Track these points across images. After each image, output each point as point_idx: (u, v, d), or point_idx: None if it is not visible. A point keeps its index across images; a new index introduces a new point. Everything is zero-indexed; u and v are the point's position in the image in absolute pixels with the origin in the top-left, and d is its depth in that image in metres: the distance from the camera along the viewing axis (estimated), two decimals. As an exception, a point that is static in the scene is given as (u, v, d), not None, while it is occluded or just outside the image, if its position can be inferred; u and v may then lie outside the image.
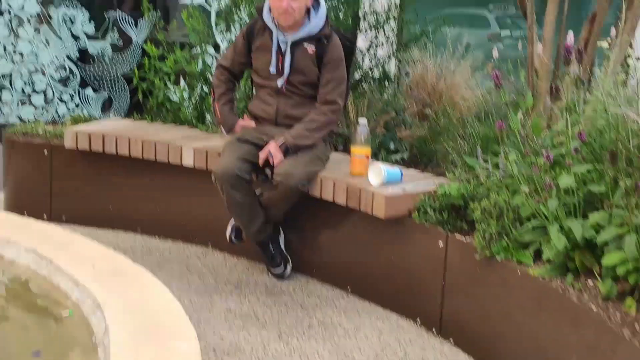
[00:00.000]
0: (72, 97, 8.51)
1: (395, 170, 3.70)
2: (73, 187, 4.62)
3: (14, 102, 8.37)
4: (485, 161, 3.42)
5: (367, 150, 3.76)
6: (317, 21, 3.83)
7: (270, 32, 3.84)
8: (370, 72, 4.83)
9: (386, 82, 4.84)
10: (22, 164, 4.73)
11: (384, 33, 4.75)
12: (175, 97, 4.82)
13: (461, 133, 4.14)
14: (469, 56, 4.87)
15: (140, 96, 4.92)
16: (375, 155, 4.19)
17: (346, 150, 4.15)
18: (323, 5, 3.87)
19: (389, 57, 4.85)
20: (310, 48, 3.82)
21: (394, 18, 4.76)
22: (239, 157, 3.76)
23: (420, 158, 4.31)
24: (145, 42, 7.68)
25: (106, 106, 8.67)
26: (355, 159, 3.76)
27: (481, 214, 3.18)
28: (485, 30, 8.43)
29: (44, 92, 8.43)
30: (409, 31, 4.82)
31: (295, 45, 3.82)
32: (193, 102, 4.76)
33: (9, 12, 8.14)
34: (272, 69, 3.85)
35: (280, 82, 3.85)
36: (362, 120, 3.76)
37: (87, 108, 8.54)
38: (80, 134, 4.45)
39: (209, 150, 4.14)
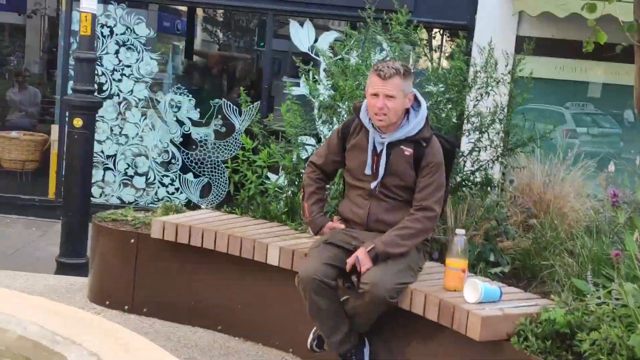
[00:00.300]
0: (172, 181, 8.60)
1: (494, 287, 3.39)
2: (157, 279, 4.50)
3: (115, 183, 8.51)
4: (597, 285, 3.07)
5: (463, 264, 3.46)
6: (416, 122, 3.61)
7: (367, 131, 3.65)
8: (471, 176, 4.55)
9: (488, 188, 4.53)
10: (108, 251, 4.65)
11: (488, 136, 4.47)
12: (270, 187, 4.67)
13: (569, 249, 3.80)
14: (579, 164, 4.55)
15: (231, 188, 4.80)
16: (472, 267, 3.89)
17: (442, 258, 3.86)
18: (424, 106, 3.66)
19: (493, 162, 4.55)
20: (408, 150, 3.60)
21: (500, 120, 4.49)
22: (325, 262, 3.53)
23: (523, 273, 3.97)
24: (243, 132, 7.71)
25: (205, 191, 8.71)
26: (450, 272, 3.47)
27: (590, 347, 2.83)
28: (561, 127, 8.33)
29: (146, 175, 8.56)
30: (515, 135, 4.52)
31: (392, 146, 3.61)
32: (284, 197, 4.59)
33: (118, 96, 8.37)
34: (367, 170, 3.64)
35: (373, 184, 3.62)
36: (460, 231, 3.48)
37: (187, 192, 8.60)
38: (168, 225, 4.35)
39: (295, 250, 3.95)
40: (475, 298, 3.32)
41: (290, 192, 4.62)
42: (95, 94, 7.96)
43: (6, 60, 13.62)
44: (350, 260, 3.52)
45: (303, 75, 4.99)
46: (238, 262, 4.17)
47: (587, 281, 3.13)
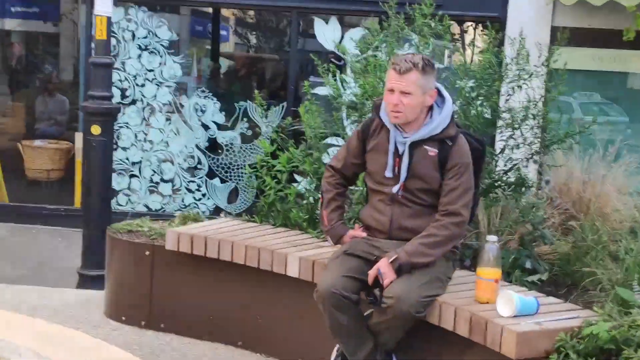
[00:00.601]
0: (199, 187, 8.39)
1: (530, 299, 3.11)
2: (174, 293, 4.28)
3: (142, 190, 8.33)
4: (644, 296, 2.78)
5: (496, 273, 3.18)
6: (440, 119, 3.34)
7: (388, 131, 3.38)
8: (504, 176, 4.24)
9: (523, 189, 4.22)
10: (123, 264, 4.46)
11: (521, 133, 4.16)
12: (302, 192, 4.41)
13: (613, 253, 3.50)
14: (622, 160, 4.23)
15: (250, 195, 4.57)
16: (507, 275, 3.61)
17: (475, 266, 3.57)
18: (448, 102, 3.38)
19: (527, 160, 4.24)
20: (432, 150, 3.32)
21: (534, 116, 4.18)
22: (345, 274, 3.27)
23: (562, 280, 3.68)
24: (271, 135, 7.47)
25: (232, 197, 8.49)
26: (481, 282, 3.19)
27: (638, 366, 2.53)
28: (568, 115, 8.07)
29: (172, 181, 8.37)
30: (551, 132, 4.20)
31: (415, 146, 3.34)
32: (305, 204, 4.34)
33: (142, 101, 8.20)
34: (388, 173, 3.37)
35: (395, 188, 3.35)
36: (492, 238, 3.20)
37: (214, 198, 8.39)
38: (183, 236, 4.14)
39: (316, 260, 3.72)
40: (509, 311, 3.05)
41: (311, 198, 4.37)
42: (119, 100, 7.88)
43: (38, 68, 13.60)
44: (371, 273, 3.25)
45: (326, 74, 4.73)
46: (258, 274, 3.95)
47: (633, 290, 2.84)
